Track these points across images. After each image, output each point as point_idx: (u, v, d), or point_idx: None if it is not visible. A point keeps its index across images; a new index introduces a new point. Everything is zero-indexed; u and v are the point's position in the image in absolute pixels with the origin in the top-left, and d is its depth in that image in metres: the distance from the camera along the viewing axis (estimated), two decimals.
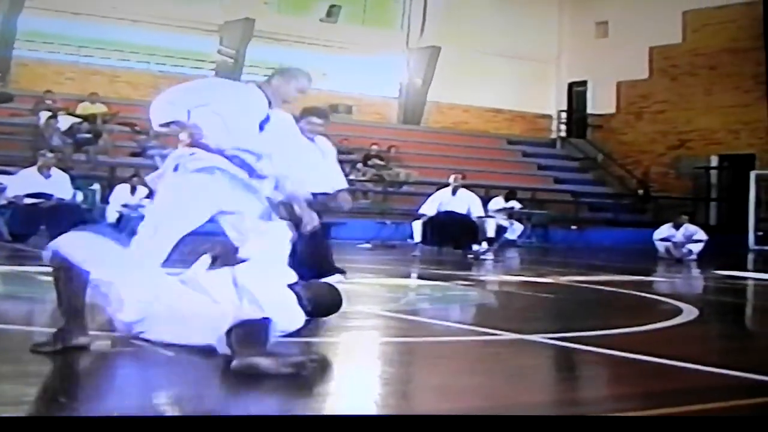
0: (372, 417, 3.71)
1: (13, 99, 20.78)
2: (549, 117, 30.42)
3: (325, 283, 5.76)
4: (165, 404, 3.99)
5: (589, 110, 29.87)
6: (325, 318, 5.76)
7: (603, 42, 28.98)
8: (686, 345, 6.28)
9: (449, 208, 15.28)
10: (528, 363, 5.37)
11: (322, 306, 5.57)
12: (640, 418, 3.77)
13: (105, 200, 17.09)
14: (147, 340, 4.88)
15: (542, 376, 5.09)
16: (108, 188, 17.54)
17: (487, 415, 3.74)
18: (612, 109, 29.17)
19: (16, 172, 14.67)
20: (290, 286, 5.36)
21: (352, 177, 22.60)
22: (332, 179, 8.55)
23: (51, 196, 14.06)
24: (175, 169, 5.70)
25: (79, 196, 15.56)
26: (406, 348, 5.76)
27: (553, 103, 30.38)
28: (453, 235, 15.02)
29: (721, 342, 6.86)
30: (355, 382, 4.61)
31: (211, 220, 5.70)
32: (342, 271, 8.46)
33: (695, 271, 15.21)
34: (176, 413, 3.76)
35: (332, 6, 26.11)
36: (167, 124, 5.80)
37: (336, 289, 5.86)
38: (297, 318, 5.16)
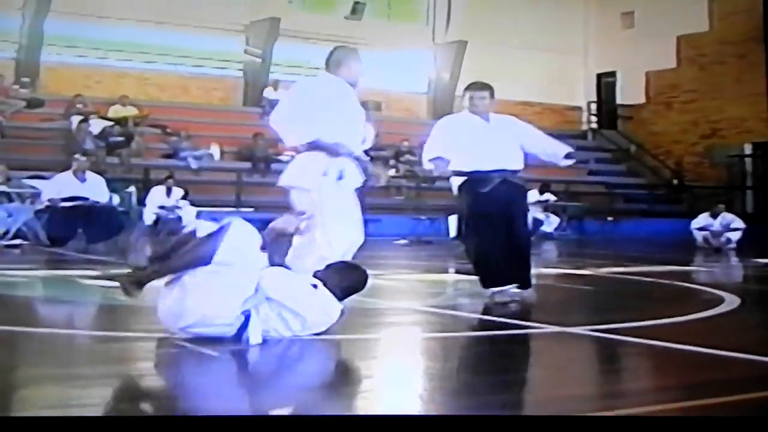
0: (409, 417, 3.68)
1: (45, 104, 20.90)
2: (579, 109, 30.28)
3: (346, 262, 5.73)
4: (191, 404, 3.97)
5: (619, 101, 29.70)
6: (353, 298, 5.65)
7: (630, 32, 28.81)
8: (730, 334, 6.22)
9: None
10: (571, 356, 5.34)
11: (351, 287, 5.50)
12: (684, 410, 3.72)
13: (141, 202, 17.16)
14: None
15: (585, 369, 5.05)
16: (143, 190, 17.61)
17: (528, 416, 3.71)
18: (642, 100, 29.01)
19: (51, 177, 14.75)
20: (316, 275, 5.35)
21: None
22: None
23: (87, 199, 14.12)
24: (340, 177, 6.22)
25: (116, 199, 15.63)
26: (447, 343, 5.73)
27: (583, 95, 30.24)
28: None
29: (765, 330, 6.78)
30: (398, 379, 4.58)
31: None
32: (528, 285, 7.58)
33: (735, 260, 15.10)
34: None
35: (357, 3, 26.08)
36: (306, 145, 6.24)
37: (359, 266, 5.77)
38: (334, 311, 5.16)
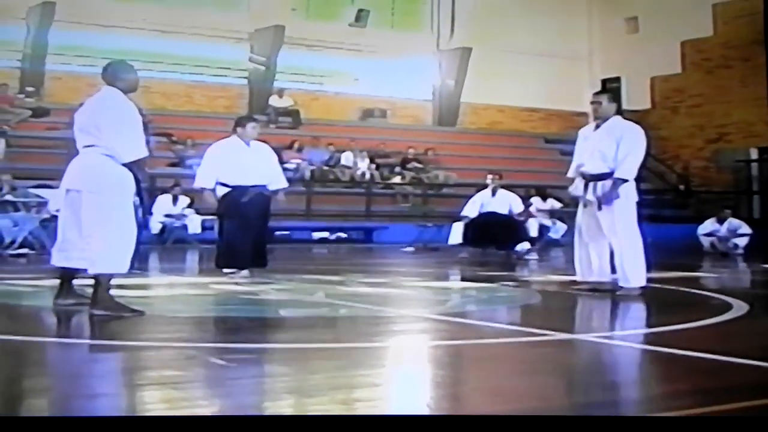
0: (423, 417, 3.66)
1: (50, 113, 20.90)
2: (585, 114, 30.19)
3: None
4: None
5: (624, 106, 29.50)
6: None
7: (634, 37, 28.77)
8: (739, 340, 6.18)
9: (490, 209, 15.22)
10: (579, 363, 5.32)
11: None
12: (693, 417, 3.69)
13: (147, 211, 17.11)
14: None
15: (593, 376, 5.01)
16: (149, 199, 17.59)
17: (539, 416, 3.68)
18: (647, 105, 28.92)
19: (58, 186, 14.70)
20: None
21: (392, 180, 22.64)
22: None
23: None
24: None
25: None
26: (456, 350, 5.69)
27: (588, 101, 30.14)
28: (496, 235, 14.93)
29: None
30: (407, 386, 4.55)
31: None
32: None
33: (742, 266, 15.05)
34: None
35: (360, 10, 26.03)
36: None
37: None
38: None
